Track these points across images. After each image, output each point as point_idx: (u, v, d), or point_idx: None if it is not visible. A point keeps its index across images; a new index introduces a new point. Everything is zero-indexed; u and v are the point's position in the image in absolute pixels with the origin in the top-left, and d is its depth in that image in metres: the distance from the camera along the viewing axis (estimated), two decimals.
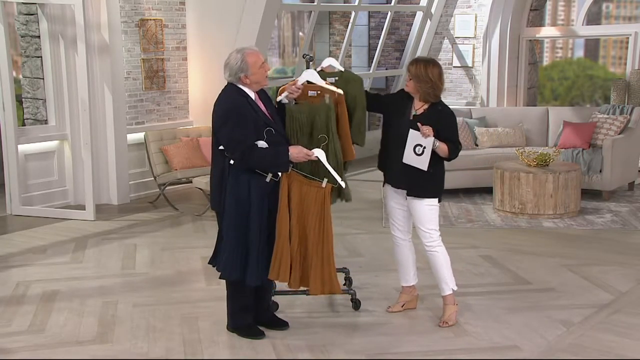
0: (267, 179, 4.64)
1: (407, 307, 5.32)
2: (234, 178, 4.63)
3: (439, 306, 5.32)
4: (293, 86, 4.87)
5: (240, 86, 4.70)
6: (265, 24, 9.24)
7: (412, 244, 5.30)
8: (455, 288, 5.16)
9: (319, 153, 4.69)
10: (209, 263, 4.94)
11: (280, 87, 5.15)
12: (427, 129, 4.85)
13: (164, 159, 8.73)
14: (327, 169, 4.71)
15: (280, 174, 4.68)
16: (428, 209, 5.04)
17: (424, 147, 4.87)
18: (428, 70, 4.90)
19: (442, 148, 4.95)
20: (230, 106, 4.64)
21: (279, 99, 4.92)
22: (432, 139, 4.87)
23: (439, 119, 4.97)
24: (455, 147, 5.01)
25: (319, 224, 4.74)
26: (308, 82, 4.98)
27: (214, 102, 4.75)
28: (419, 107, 5.04)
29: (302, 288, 4.92)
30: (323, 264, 4.77)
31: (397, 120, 5.05)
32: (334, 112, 4.85)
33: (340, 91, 4.91)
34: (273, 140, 4.63)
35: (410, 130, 4.92)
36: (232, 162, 4.62)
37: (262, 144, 4.59)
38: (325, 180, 4.73)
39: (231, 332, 4.92)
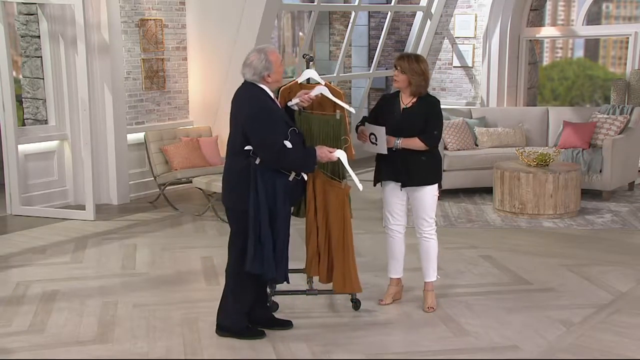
0: (290, 178, 4.65)
1: (395, 298, 5.51)
2: (261, 176, 4.58)
3: (440, 306, 5.35)
4: (305, 95, 4.88)
5: (262, 85, 4.64)
6: (265, 24, 9.24)
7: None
8: (439, 276, 5.45)
9: (340, 154, 4.73)
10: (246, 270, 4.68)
11: (281, 87, 5.15)
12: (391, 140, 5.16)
13: (164, 159, 8.72)
14: (347, 170, 4.81)
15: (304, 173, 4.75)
16: (431, 196, 5.27)
17: (377, 136, 5.11)
18: (420, 64, 5.17)
19: (410, 143, 5.15)
20: (262, 107, 4.56)
21: (289, 104, 4.93)
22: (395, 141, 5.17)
23: (427, 109, 5.23)
24: (430, 136, 5.17)
25: (337, 224, 4.95)
26: (308, 80, 5.04)
27: (234, 100, 4.67)
28: (407, 101, 5.27)
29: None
30: (344, 264, 4.97)
31: (387, 116, 5.24)
32: (345, 126, 4.94)
33: (352, 109, 5.08)
34: (296, 141, 4.62)
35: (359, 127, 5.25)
36: (257, 161, 4.58)
37: (287, 144, 4.57)
38: (345, 181, 4.81)
39: (226, 337, 4.84)
